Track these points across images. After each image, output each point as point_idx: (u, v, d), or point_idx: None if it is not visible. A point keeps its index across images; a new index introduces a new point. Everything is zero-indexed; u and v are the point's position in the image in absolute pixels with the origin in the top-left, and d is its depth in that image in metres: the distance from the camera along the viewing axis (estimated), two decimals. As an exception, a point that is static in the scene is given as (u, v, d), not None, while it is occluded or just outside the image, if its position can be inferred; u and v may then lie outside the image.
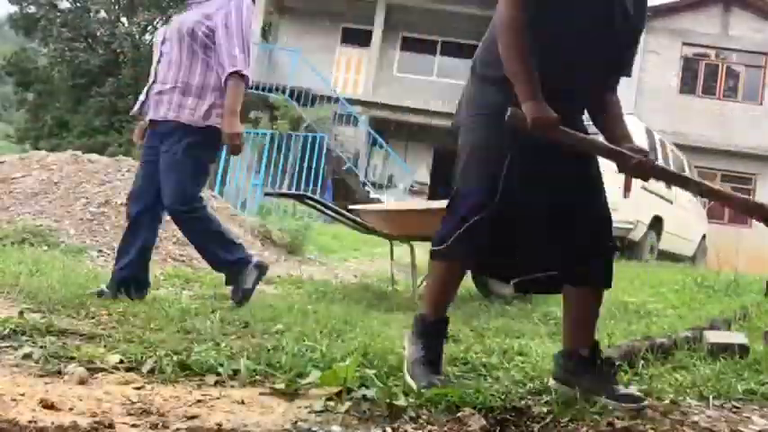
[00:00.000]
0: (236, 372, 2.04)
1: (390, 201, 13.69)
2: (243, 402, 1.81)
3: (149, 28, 28.12)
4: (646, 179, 2.07)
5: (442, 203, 4.94)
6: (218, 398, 1.84)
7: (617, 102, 2.19)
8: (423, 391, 1.89)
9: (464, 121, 2.16)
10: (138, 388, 1.86)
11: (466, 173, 2.11)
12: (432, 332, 2.13)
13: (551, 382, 2.13)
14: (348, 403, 1.82)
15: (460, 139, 2.16)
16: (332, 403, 1.82)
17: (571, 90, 2.06)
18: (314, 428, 1.65)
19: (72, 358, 2.02)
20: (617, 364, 2.21)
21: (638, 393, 2.02)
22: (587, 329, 2.13)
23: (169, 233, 5.33)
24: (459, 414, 1.74)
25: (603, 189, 2.16)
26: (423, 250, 4.60)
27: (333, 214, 4.79)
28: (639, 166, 1.98)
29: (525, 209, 2.03)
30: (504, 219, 2.02)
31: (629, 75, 2.17)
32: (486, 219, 2.01)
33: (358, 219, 4.64)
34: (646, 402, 1.97)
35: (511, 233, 2.05)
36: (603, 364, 2.09)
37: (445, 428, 1.69)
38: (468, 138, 2.12)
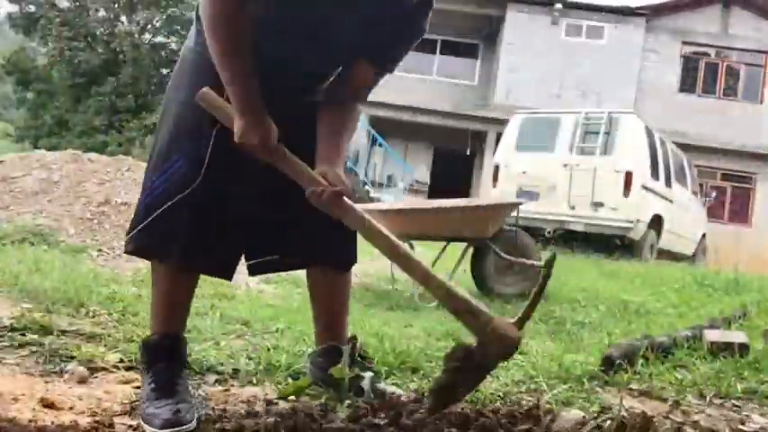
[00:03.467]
0: (236, 371, 2.05)
1: (389, 200, 13.63)
2: (243, 401, 1.82)
3: (149, 27, 28.13)
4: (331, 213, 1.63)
5: (442, 202, 4.92)
6: (218, 397, 1.84)
7: (346, 107, 1.77)
8: None
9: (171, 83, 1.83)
10: (139, 387, 1.85)
11: (166, 144, 1.74)
12: (158, 354, 1.72)
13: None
14: (348, 401, 1.82)
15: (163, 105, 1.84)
16: (332, 403, 1.82)
17: (292, 62, 1.71)
18: (314, 428, 1.65)
19: (72, 357, 2.02)
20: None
21: (389, 390, 1.86)
22: (339, 321, 1.97)
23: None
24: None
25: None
26: (424, 249, 4.59)
27: None
28: (314, 196, 1.60)
29: (236, 189, 1.73)
30: (212, 201, 1.70)
31: (382, 67, 1.75)
32: (185, 201, 1.68)
33: None
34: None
35: (222, 218, 1.73)
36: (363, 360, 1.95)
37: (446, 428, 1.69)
38: (171, 105, 1.79)
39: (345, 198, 1.61)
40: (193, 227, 1.70)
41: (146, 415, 1.60)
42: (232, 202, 1.73)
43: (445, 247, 4.64)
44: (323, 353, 1.95)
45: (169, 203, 1.68)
